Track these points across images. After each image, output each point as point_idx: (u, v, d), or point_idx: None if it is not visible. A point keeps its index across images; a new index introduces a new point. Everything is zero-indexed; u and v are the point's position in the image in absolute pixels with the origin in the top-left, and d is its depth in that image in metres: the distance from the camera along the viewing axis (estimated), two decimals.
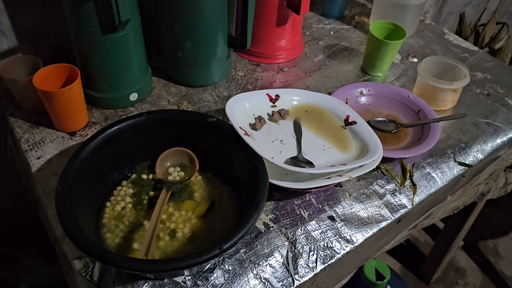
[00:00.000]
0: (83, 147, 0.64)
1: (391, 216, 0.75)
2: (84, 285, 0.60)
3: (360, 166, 0.69)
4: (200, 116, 0.72)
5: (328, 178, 0.68)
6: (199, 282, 0.61)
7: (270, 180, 0.65)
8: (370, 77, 0.99)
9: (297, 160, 0.71)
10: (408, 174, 0.79)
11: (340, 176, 0.68)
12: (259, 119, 0.77)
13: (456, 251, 1.55)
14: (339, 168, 0.67)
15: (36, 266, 1.06)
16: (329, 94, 0.90)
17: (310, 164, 0.70)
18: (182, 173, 0.73)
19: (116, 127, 0.68)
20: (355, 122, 0.78)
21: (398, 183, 0.78)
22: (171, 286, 0.60)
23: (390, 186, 0.78)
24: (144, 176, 0.72)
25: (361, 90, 0.92)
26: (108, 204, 0.68)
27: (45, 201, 0.70)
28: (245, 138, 0.66)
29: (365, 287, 0.97)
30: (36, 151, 0.77)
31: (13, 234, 1.06)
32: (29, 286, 0.89)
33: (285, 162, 0.70)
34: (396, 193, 0.77)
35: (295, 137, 0.76)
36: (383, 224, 0.73)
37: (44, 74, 0.76)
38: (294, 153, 0.73)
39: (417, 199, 0.77)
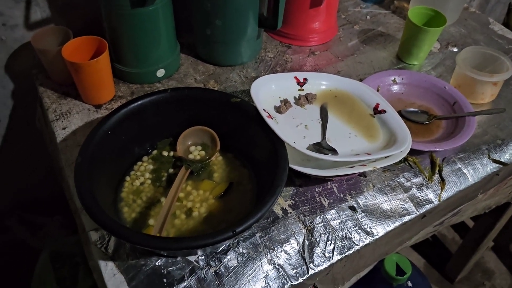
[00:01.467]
0: (105, 120, 0.64)
1: (415, 210, 0.72)
2: (99, 256, 0.61)
3: (386, 157, 0.66)
4: (224, 95, 0.70)
5: (352, 167, 0.66)
6: (212, 263, 0.61)
7: (291, 165, 0.63)
8: (405, 65, 0.95)
9: (321, 147, 0.68)
10: (437, 169, 0.76)
11: (364, 165, 0.65)
12: (285, 102, 0.75)
13: (485, 252, 1.49)
14: (364, 157, 0.64)
15: (59, 234, 1.09)
16: (360, 81, 0.87)
17: (333, 151, 0.68)
18: (202, 152, 0.72)
19: (139, 102, 0.68)
20: (384, 111, 0.75)
21: (425, 177, 0.75)
22: (183, 264, 0.60)
23: (417, 180, 0.74)
24: (165, 153, 0.72)
25: (394, 78, 0.88)
26: (127, 178, 0.69)
27: (67, 172, 0.71)
28: (268, 120, 0.64)
29: (384, 281, 0.95)
30: (62, 121, 0.78)
31: (40, 202, 1.09)
32: (51, 253, 0.92)
33: (308, 148, 0.68)
34: (422, 187, 0.74)
35: (321, 122, 0.74)
36: (407, 218, 0.71)
37: (74, 46, 0.77)
38: (318, 139, 0.71)
39: (444, 195, 0.74)
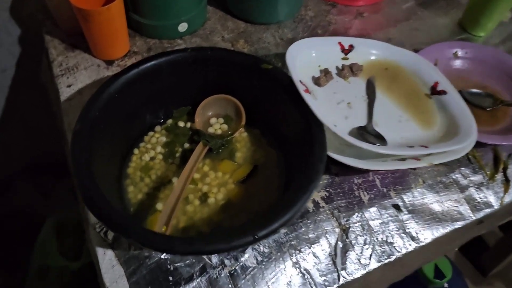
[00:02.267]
0: (112, 81, 0.54)
1: (471, 215, 0.60)
2: (97, 242, 0.52)
3: (444, 152, 0.54)
4: (253, 60, 0.59)
5: (402, 160, 0.54)
6: (226, 262, 0.52)
7: (328, 153, 0.52)
8: (469, 36, 0.80)
9: (366, 132, 0.57)
10: (502, 166, 0.63)
11: (417, 160, 0.54)
12: (325, 72, 0.63)
13: None
14: (419, 150, 0.52)
15: (68, 200, 1.02)
16: (415, 52, 0.73)
17: (381, 139, 0.56)
18: (225, 126, 0.62)
19: (152, 62, 0.57)
20: (444, 92, 0.62)
21: (486, 175, 0.63)
22: (193, 260, 0.51)
23: (476, 178, 0.62)
24: (181, 124, 0.62)
25: (456, 52, 0.74)
26: (136, 151, 0.59)
27: (69, 137, 0.61)
28: (305, 96, 0.52)
29: (418, 283, 0.85)
30: (67, 77, 0.68)
31: (48, 163, 1.02)
32: (55, 223, 0.85)
33: (351, 132, 0.57)
34: (482, 187, 0.62)
35: (367, 101, 0.62)
36: (460, 223, 0.59)
37: None
38: (362, 121, 0.59)
39: (508, 198, 0.62)
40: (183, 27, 0.73)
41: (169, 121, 0.62)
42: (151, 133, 0.61)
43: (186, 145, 0.60)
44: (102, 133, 0.52)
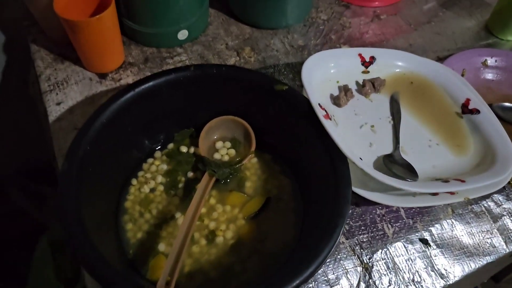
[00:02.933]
0: (104, 109, 0.47)
1: (505, 247, 0.54)
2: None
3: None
4: (266, 80, 0.52)
5: (435, 194, 0.48)
6: None
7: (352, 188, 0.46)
8: (496, 41, 0.74)
9: (393, 162, 0.51)
10: None
11: (452, 194, 0.48)
12: (345, 90, 0.56)
13: None
14: (456, 186, 0.46)
15: None
16: (439, 60, 0.67)
17: (410, 170, 0.50)
18: (232, 151, 0.55)
19: (151, 83, 0.50)
20: (477, 111, 0.56)
21: None
22: None
23: (510, 206, 0.57)
24: (184, 149, 0.55)
25: (485, 60, 0.67)
26: (134, 181, 0.53)
27: (59, 163, 0.55)
28: (326, 124, 0.46)
29: None
30: (56, 94, 0.61)
31: (41, 170, 0.96)
32: (50, 240, 0.80)
33: (376, 163, 0.51)
34: None
35: (392, 122, 0.55)
36: (492, 258, 0.54)
37: None
38: (388, 147, 0.53)
39: None
40: (183, 34, 0.66)
41: (170, 146, 0.56)
42: (150, 160, 0.55)
43: (190, 174, 0.54)
44: (95, 168, 0.46)
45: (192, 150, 0.56)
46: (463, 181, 0.46)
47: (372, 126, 0.55)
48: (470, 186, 0.46)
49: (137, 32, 0.65)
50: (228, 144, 0.56)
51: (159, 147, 0.56)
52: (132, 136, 0.51)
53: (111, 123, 0.48)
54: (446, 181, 0.47)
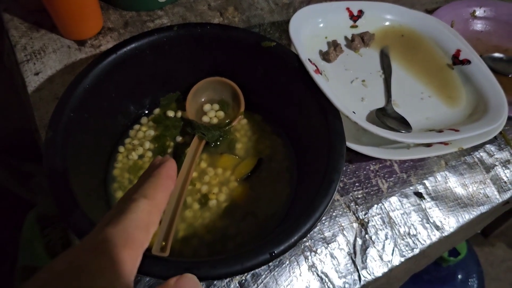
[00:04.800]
0: (85, 73, 0.45)
1: (498, 197, 0.55)
2: None
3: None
4: (253, 37, 0.50)
5: (428, 145, 0.48)
6: None
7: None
8: None
9: (386, 115, 0.50)
10: None
11: (445, 144, 0.47)
12: (334, 45, 0.55)
13: None
14: (450, 135, 0.46)
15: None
16: (428, 13, 0.65)
17: (404, 123, 0.49)
18: (221, 114, 0.54)
19: (133, 45, 0.48)
20: (468, 61, 0.55)
21: None
22: None
23: (502, 155, 0.57)
24: (171, 114, 0.54)
25: (474, 11, 0.66)
26: (121, 149, 0.51)
27: (42, 135, 0.53)
28: (317, 78, 0.45)
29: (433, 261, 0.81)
30: (34, 63, 0.59)
31: (24, 146, 0.93)
32: (37, 215, 0.78)
33: (369, 117, 0.50)
34: (509, 165, 0.56)
35: (383, 76, 0.54)
36: (486, 207, 0.54)
37: None
38: (380, 101, 0.52)
39: None
40: None
41: (157, 111, 0.54)
42: (137, 127, 0.53)
43: (178, 139, 0.52)
44: (80, 136, 0.44)
45: (179, 114, 0.54)
46: (457, 131, 0.46)
47: (363, 80, 0.53)
48: (465, 135, 0.45)
49: None
50: (216, 106, 0.54)
51: (146, 112, 0.54)
52: (116, 101, 0.50)
53: (94, 89, 0.46)
54: (440, 131, 0.46)
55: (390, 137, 0.43)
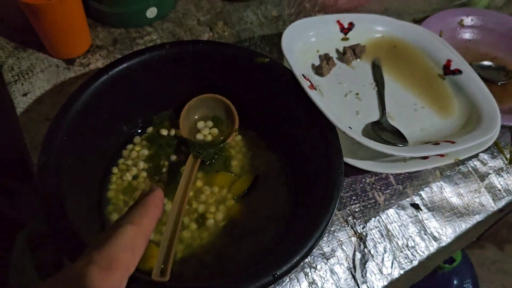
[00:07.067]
0: (77, 95, 0.44)
1: (493, 205, 0.55)
2: None
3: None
4: (246, 53, 0.50)
5: (424, 158, 0.48)
6: None
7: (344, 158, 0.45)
8: (470, 0, 0.73)
9: (381, 128, 0.50)
10: None
11: (441, 156, 0.47)
12: (327, 59, 0.55)
13: None
14: (446, 148, 0.46)
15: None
16: (415, 22, 0.66)
17: (399, 135, 0.49)
18: (215, 131, 0.53)
19: (124, 65, 0.47)
20: (459, 71, 0.55)
21: (506, 159, 0.57)
22: None
23: (496, 163, 0.57)
24: (164, 132, 0.53)
25: (461, 20, 0.67)
26: (115, 170, 0.50)
27: (33, 158, 0.52)
28: (312, 94, 0.44)
29: None
30: (22, 84, 0.57)
31: (9, 164, 0.91)
32: (24, 238, 0.76)
33: (364, 131, 0.50)
34: (502, 173, 0.57)
35: (376, 88, 0.54)
36: (482, 216, 0.54)
37: None
38: (375, 114, 0.52)
39: None
40: (152, 12, 0.63)
41: (150, 130, 0.53)
42: (130, 146, 0.52)
43: (173, 157, 0.51)
44: (73, 159, 0.43)
45: (173, 132, 0.53)
46: (453, 142, 0.46)
47: (357, 93, 0.53)
48: (461, 147, 0.45)
49: (103, 13, 0.62)
50: (210, 123, 0.54)
51: (139, 131, 0.53)
52: (109, 122, 0.49)
53: (86, 110, 0.45)
54: (436, 143, 0.46)
55: (388, 151, 0.43)
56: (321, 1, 0.70)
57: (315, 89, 0.47)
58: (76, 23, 0.57)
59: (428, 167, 0.47)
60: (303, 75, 0.47)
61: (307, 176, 0.47)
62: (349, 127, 0.44)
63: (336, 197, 0.40)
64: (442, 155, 0.47)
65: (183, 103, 0.53)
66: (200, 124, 0.53)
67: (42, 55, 0.60)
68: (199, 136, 0.53)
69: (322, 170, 0.43)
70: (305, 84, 0.45)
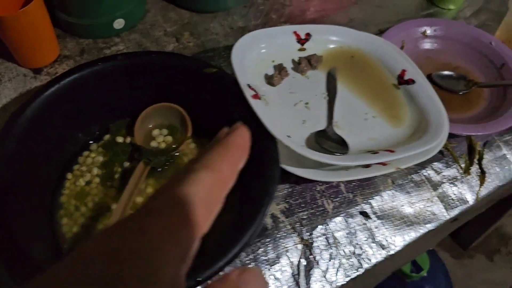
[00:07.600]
0: (27, 104, 0.46)
1: (445, 214, 0.55)
2: None
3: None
4: (196, 64, 0.52)
5: (367, 166, 0.48)
6: None
7: (285, 166, 0.46)
8: (438, 10, 0.74)
9: (325, 137, 0.51)
10: (477, 157, 0.58)
11: (384, 165, 0.48)
12: (279, 69, 0.56)
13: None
14: (384, 157, 0.47)
15: None
16: (381, 33, 0.67)
17: (342, 144, 0.50)
18: (169, 138, 0.55)
19: (76, 75, 0.49)
20: (413, 81, 0.56)
21: (461, 168, 0.58)
22: None
23: (450, 173, 0.57)
24: (120, 140, 0.55)
25: (425, 30, 0.67)
26: (69, 175, 0.52)
27: None
28: (253, 103, 0.46)
29: (398, 279, 0.82)
30: None
31: None
32: None
33: (308, 140, 0.51)
34: (456, 182, 0.57)
35: (327, 98, 0.55)
36: (433, 225, 0.55)
37: None
38: (322, 123, 0.53)
39: (483, 191, 0.57)
40: (119, 23, 0.65)
41: (106, 137, 0.55)
42: (86, 153, 0.54)
43: (126, 164, 0.53)
44: (24, 166, 0.45)
45: (128, 140, 0.55)
46: (392, 151, 0.47)
47: (307, 103, 0.54)
48: (399, 156, 0.46)
49: (71, 24, 0.64)
50: (165, 131, 0.55)
51: (95, 139, 0.55)
52: (62, 130, 0.51)
53: (38, 119, 0.47)
54: (375, 152, 0.47)
55: (322, 160, 0.44)
56: (287, 12, 0.71)
57: (260, 98, 0.48)
58: (42, 34, 0.59)
59: (370, 175, 0.47)
60: (248, 85, 0.48)
61: (248, 184, 0.48)
62: (288, 136, 0.45)
63: (267, 204, 0.41)
64: (384, 164, 0.48)
65: (140, 111, 0.54)
66: (155, 132, 0.55)
67: (11, 64, 0.62)
68: (153, 144, 0.54)
69: (258, 178, 0.44)
70: (248, 94, 0.47)
